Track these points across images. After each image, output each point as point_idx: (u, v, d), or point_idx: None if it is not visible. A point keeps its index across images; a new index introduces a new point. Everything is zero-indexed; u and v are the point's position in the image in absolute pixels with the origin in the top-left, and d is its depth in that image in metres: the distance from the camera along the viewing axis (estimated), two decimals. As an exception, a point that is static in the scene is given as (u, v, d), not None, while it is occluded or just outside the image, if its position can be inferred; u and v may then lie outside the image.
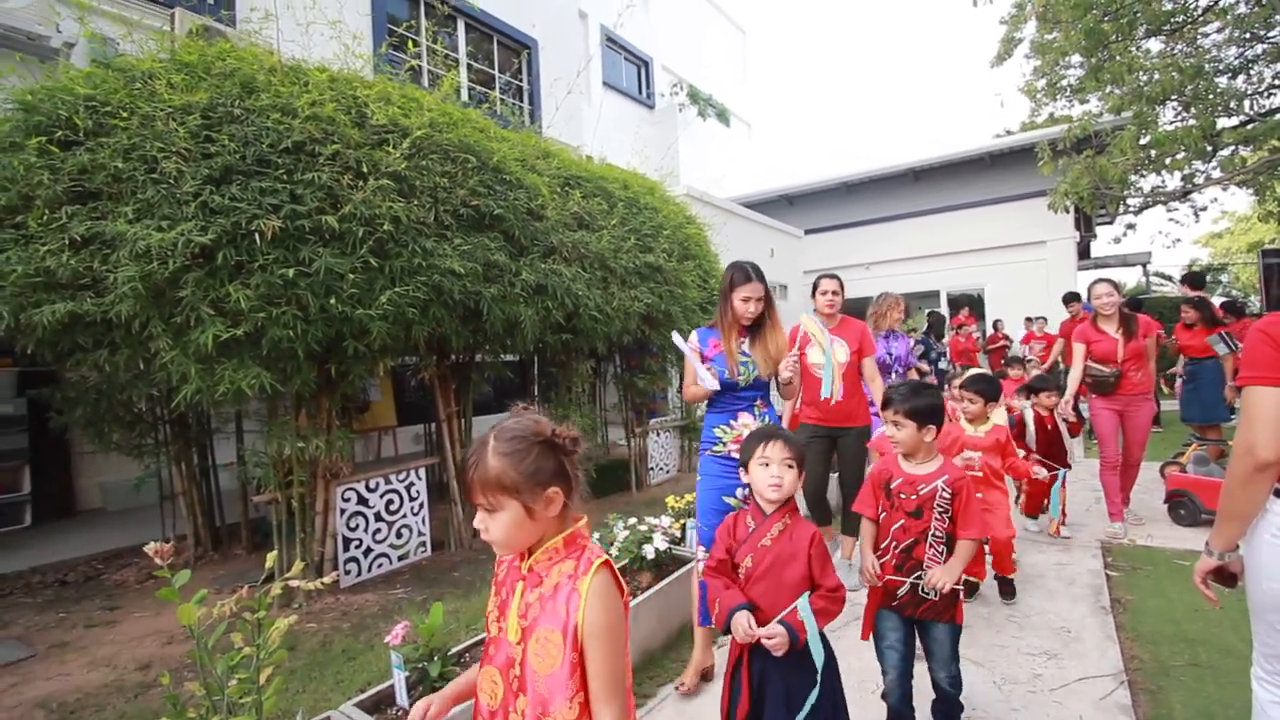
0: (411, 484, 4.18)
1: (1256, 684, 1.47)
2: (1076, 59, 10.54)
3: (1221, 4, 9.19)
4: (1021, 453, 3.46)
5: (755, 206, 13.47)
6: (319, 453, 3.44)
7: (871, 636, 2.03)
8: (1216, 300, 6.66)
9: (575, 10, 10.32)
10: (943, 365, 6.45)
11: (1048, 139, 9.79)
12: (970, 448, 3.13)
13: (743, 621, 1.51)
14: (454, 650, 2.17)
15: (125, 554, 4.38)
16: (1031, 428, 4.05)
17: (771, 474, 1.66)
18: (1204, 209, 13.43)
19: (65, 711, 2.53)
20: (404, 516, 4.12)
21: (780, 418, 2.68)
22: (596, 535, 3.00)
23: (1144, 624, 2.89)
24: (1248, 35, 9.43)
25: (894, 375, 4.46)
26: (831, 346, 2.74)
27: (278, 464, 3.44)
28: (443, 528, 4.51)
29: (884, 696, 2.02)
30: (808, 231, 14.05)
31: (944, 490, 1.93)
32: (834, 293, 3.51)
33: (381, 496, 3.98)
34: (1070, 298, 7.75)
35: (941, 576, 1.85)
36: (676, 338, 2.51)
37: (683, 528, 3.33)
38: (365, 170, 3.23)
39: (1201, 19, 9.43)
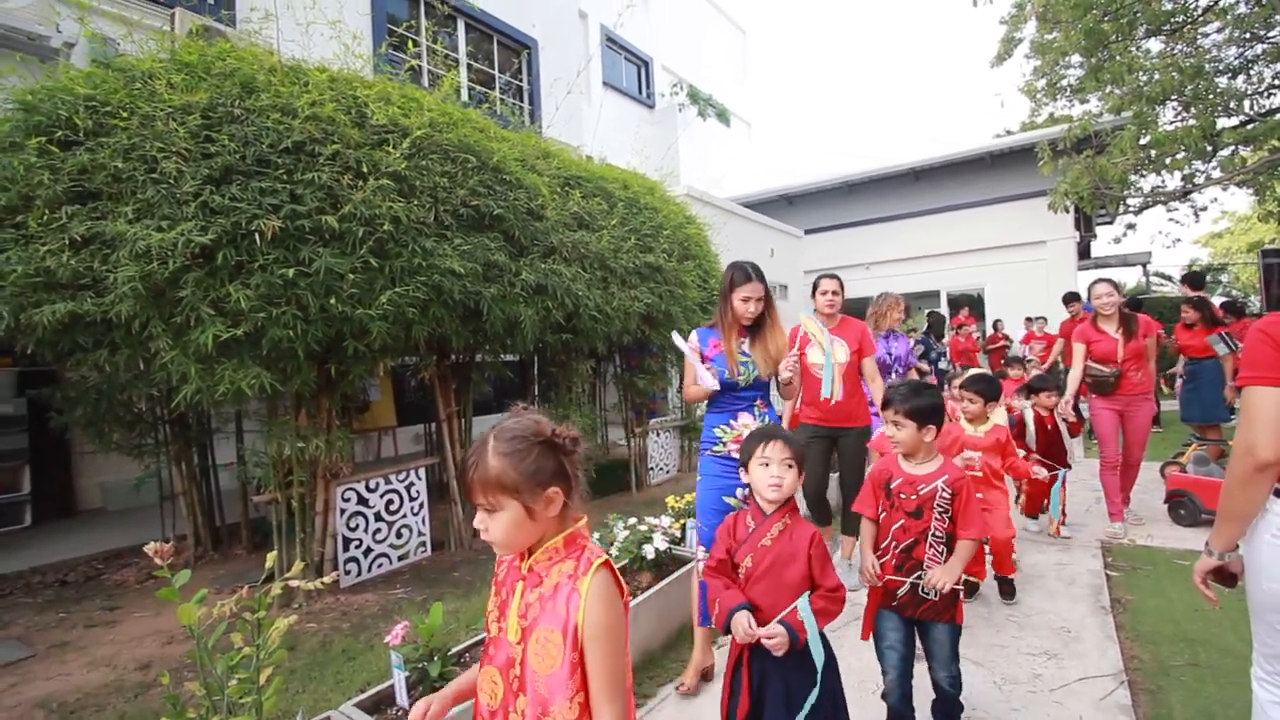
0: (411, 484, 4.18)
1: (1256, 684, 1.47)
2: (1076, 59, 10.54)
3: (1221, 4, 9.19)
4: (1021, 453, 3.46)
5: (755, 206, 13.47)
6: (319, 453, 3.44)
7: (871, 636, 2.03)
8: (1217, 300, 6.67)
9: (575, 10, 10.32)
10: (943, 365, 6.45)
11: (1048, 139, 9.79)
12: (970, 448, 3.13)
13: (743, 622, 1.52)
14: (454, 650, 2.17)
15: (125, 554, 4.38)
16: (1031, 428, 4.05)
17: (771, 474, 1.66)
18: (1204, 209, 13.44)
19: (65, 711, 2.53)
20: (404, 516, 4.12)
21: (780, 418, 2.68)
22: (596, 535, 3.00)
23: (1144, 624, 2.89)
24: (1248, 35, 9.43)
25: (894, 375, 4.46)
26: (831, 346, 2.73)
27: (278, 464, 3.44)
28: (443, 528, 4.51)
29: (884, 696, 2.02)
30: (808, 231, 14.05)
31: (944, 490, 1.93)
32: (834, 293, 3.51)
33: (381, 496, 3.98)
34: (1071, 298, 7.75)
35: (941, 577, 1.85)
36: (676, 337, 2.51)
37: (683, 528, 3.33)
38: (365, 170, 3.23)
39: (1201, 19, 9.43)
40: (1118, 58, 9.19)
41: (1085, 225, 12.43)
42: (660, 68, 13.27)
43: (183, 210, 2.80)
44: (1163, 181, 10.98)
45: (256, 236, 2.85)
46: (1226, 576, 1.47)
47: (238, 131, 2.99)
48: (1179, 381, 6.07)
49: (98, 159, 2.83)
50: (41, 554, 4.35)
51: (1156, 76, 8.81)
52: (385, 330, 3.22)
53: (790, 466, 1.67)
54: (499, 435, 1.04)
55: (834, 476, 3.74)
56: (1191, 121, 8.92)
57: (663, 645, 2.82)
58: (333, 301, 3.02)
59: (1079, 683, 2.43)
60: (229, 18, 5.32)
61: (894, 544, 1.96)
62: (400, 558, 4.08)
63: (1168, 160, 9.51)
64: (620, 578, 1.07)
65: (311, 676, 2.70)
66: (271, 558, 1.86)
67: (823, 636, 1.54)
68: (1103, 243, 15.66)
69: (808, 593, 1.55)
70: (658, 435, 6.49)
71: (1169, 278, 19.39)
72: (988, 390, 3.14)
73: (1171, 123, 9.77)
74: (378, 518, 3.95)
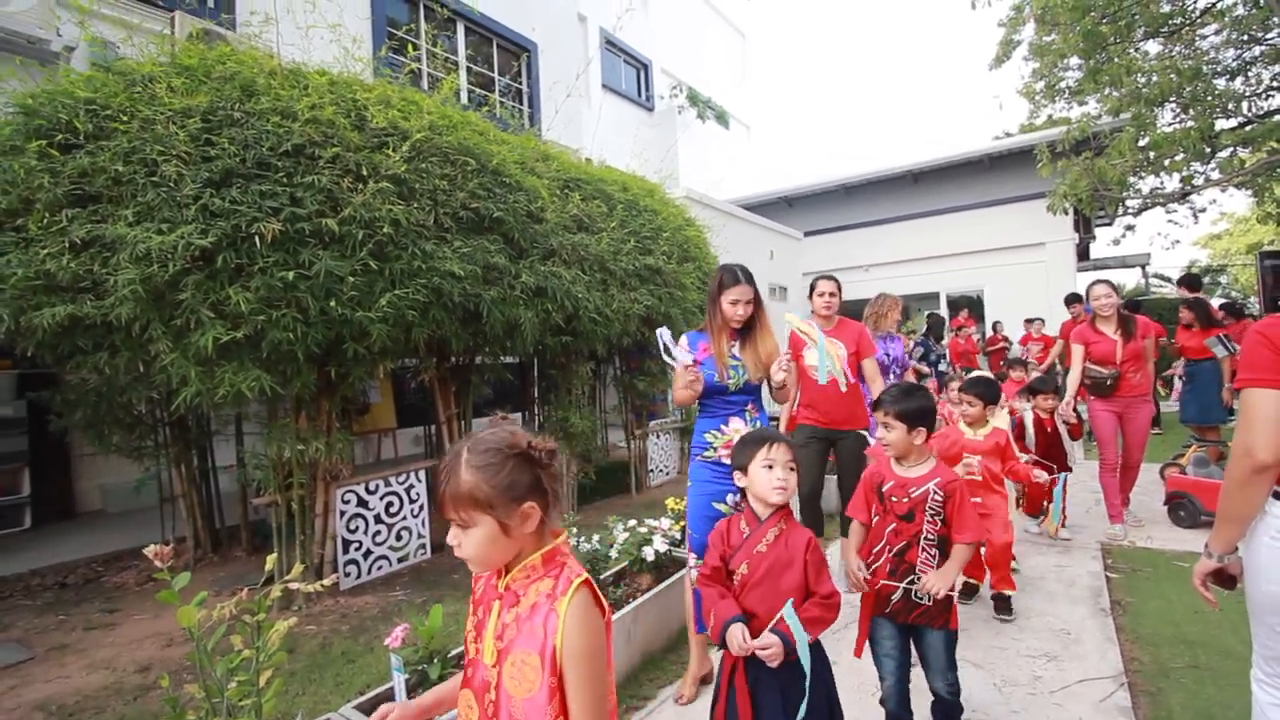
0: (411, 486, 4.18)
1: (1256, 686, 1.47)
2: (1075, 61, 10.58)
3: (1219, 6, 9.22)
4: (1025, 457, 3.43)
5: (754, 208, 13.48)
6: (319, 455, 3.44)
7: (868, 642, 2.02)
8: (1216, 302, 6.68)
9: (575, 13, 10.34)
10: (942, 368, 6.45)
11: (1046, 141, 9.81)
12: (970, 451, 3.11)
13: (738, 635, 1.49)
14: (454, 653, 2.17)
15: (125, 556, 4.37)
16: (1031, 430, 4.04)
17: (776, 476, 1.63)
18: (1203, 210, 13.45)
19: (64, 714, 2.52)
20: (404, 519, 4.12)
21: (771, 421, 2.65)
22: (596, 537, 3.00)
23: (1144, 626, 2.89)
24: (1245, 37, 9.46)
25: (891, 377, 4.46)
26: (825, 341, 2.73)
27: (277, 466, 3.44)
28: (442, 530, 4.48)
29: (882, 702, 2.01)
30: (807, 233, 14.06)
31: (936, 493, 1.92)
32: (831, 294, 3.50)
33: (381, 499, 3.98)
34: (1072, 299, 7.75)
35: (936, 582, 1.83)
36: (660, 333, 2.43)
37: (682, 529, 3.32)
38: (365, 173, 3.24)
39: (1199, 21, 9.46)
40: (1116, 60, 9.22)
41: (1084, 227, 12.44)
42: (659, 70, 13.29)
43: (183, 213, 2.81)
44: (1161, 183, 11.00)
45: (256, 239, 2.86)
46: (1226, 578, 1.46)
47: (238, 135, 2.99)
48: (1177, 383, 6.08)
49: (98, 162, 2.83)
50: (41, 556, 4.35)
51: (1155, 78, 8.83)
52: (385, 333, 3.22)
53: (792, 469, 1.66)
54: (472, 448, 1.00)
55: (831, 479, 3.74)
56: (1190, 123, 8.94)
57: (663, 647, 2.82)
58: (333, 304, 3.02)
59: (1079, 684, 2.43)
60: (229, 21, 5.32)
61: (887, 548, 1.95)
62: (400, 560, 4.07)
63: (1166, 162, 9.52)
64: (602, 597, 1.02)
65: (311, 679, 2.69)
66: (271, 560, 1.87)
67: (818, 642, 1.53)
68: (1102, 244, 15.69)
69: (791, 600, 1.52)
70: (657, 437, 6.49)
71: (1168, 279, 19.41)
72: (987, 393, 3.12)
73: (1170, 124, 9.79)
74: (377, 520, 3.95)
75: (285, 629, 1.63)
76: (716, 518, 2.27)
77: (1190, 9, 9.42)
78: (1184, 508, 4.21)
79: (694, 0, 14.78)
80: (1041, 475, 3.37)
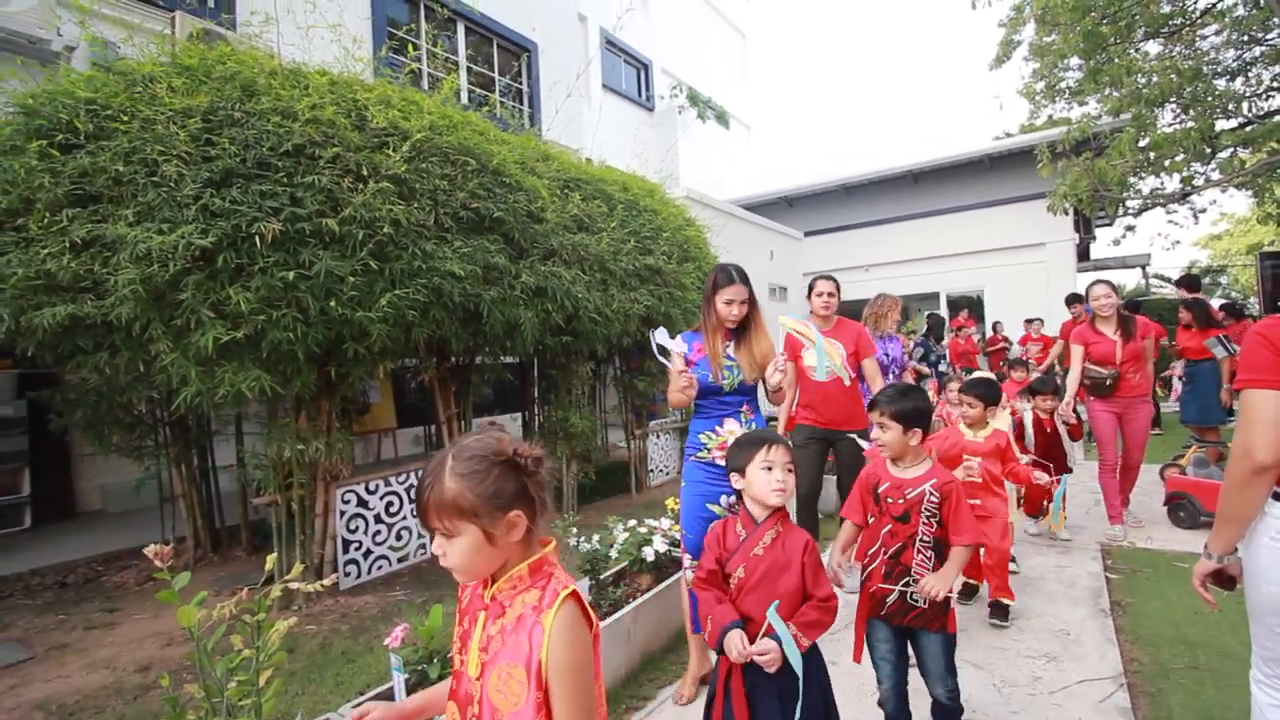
0: (411, 486, 4.18)
1: (1255, 687, 1.47)
2: (1075, 61, 10.57)
3: (1220, 6, 9.22)
4: (1024, 457, 3.42)
5: (755, 208, 13.48)
6: (319, 455, 3.44)
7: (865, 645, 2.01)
8: (1216, 302, 6.69)
9: (575, 13, 10.35)
10: (942, 368, 6.45)
11: (1047, 141, 9.81)
12: (970, 453, 3.09)
13: (736, 642, 1.48)
14: (453, 653, 2.17)
15: (125, 556, 4.38)
16: (1030, 430, 4.04)
17: (775, 478, 1.62)
18: (1203, 211, 13.45)
19: (64, 713, 2.52)
20: (403, 518, 4.12)
21: (769, 422, 2.64)
22: (596, 537, 3.00)
23: (1143, 627, 2.89)
24: (1246, 38, 9.47)
25: (890, 377, 4.45)
26: (823, 340, 2.73)
27: (278, 466, 3.45)
28: (442, 530, 4.49)
29: (881, 704, 2.01)
30: (807, 233, 14.06)
31: (931, 495, 1.90)
32: (830, 294, 3.49)
33: (381, 498, 3.98)
34: (1073, 299, 7.75)
35: (935, 584, 1.81)
36: (654, 334, 2.43)
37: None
38: (365, 173, 3.24)
39: (1200, 21, 9.47)
40: (1116, 60, 9.23)
41: (1084, 227, 12.44)
42: (660, 70, 13.29)
43: (183, 213, 2.81)
44: (1162, 184, 11.00)
45: (257, 239, 2.86)
46: (1225, 579, 1.46)
47: (238, 135, 2.99)
48: (1176, 384, 6.08)
49: (98, 162, 2.83)
50: (41, 556, 4.35)
51: (1155, 79, 8.83)
52: (385, 333, 3.22)
53: (791, 471, 1.64)
54: (457, 454, 0.97)
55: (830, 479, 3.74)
56: (1190, 124, 8.95)
57: (663, 647, 2.82)
58: (333, 304, 3.02)
59: (1079, 685, 2.43)
60: (229, 21, 5.32)
61: (882, 549, 1.94)
62: (400, 560, 4.07)
63: (1166, 162, 9.52)
64: (589, 609, 1.00)
65: (311, 678, 2.70)
66: (271, 560, 1.87)
67: (815, 645, 1.52)
68: (1102, 245, 15.68)
69: (775, 603, 1.50)
70: (657, 437, 6.49)
71: (1168, 279, 19.41)
72: (987, 395, 3.10)
73: (1170, 125, 9.79)
74: (377, 520, 3.96)
75: (285, 629, 1.63)
76: (710, 519, 2.26)
77: (1190, 9, 9.43)
78: (1184, 508, 4.21)
79: (694, 0, 14.79)
80: (1042, 477, 3.36)
